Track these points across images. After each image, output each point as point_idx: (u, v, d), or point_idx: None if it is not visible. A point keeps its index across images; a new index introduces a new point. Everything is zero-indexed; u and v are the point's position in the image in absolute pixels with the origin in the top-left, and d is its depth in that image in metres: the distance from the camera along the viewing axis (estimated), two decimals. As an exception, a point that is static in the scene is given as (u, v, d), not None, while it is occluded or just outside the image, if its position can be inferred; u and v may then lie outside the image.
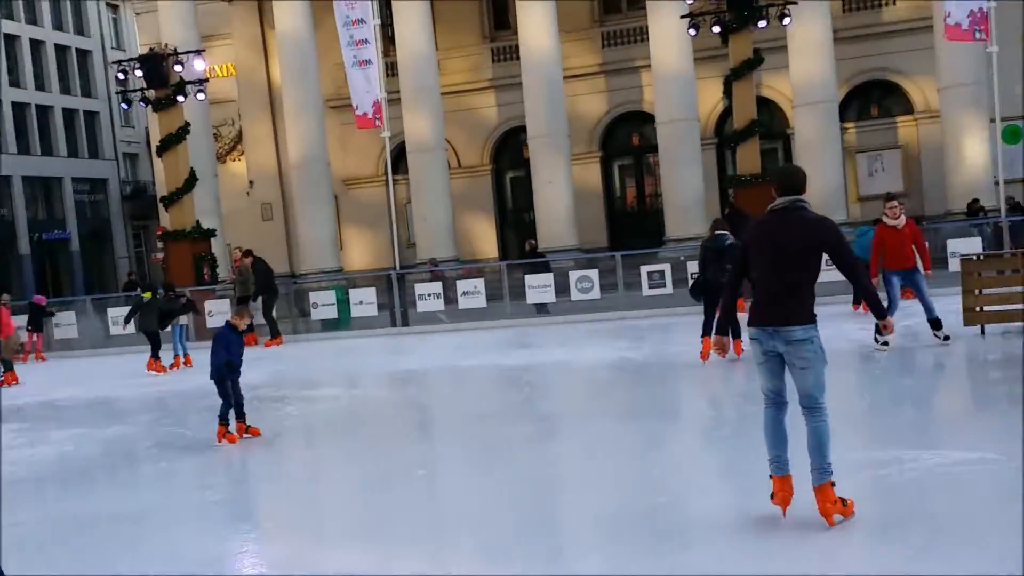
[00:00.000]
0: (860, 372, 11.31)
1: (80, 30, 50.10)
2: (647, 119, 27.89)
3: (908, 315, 14.91)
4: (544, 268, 20.79)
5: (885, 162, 27.89)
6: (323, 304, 21.62)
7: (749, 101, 20.48)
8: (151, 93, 23.28)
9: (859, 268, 5.84)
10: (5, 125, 44.83)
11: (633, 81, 28.90)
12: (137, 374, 16.57)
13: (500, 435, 9.31)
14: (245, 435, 9.72)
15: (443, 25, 29.61)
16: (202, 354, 12.64)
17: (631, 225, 29.40)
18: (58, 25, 48.65)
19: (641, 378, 12.39)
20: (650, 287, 19.56)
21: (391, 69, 27.80)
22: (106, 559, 6.30)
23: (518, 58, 26.35)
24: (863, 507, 5.90)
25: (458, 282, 20.99)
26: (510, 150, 30.73)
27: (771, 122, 26.91)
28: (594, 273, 20.46)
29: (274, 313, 20.15)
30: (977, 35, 18.96)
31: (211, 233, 23.98)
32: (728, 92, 20.84)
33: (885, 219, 11.75)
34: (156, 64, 22.87)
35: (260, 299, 19.94)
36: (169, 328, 17.26)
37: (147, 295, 17.39)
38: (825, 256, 5.61)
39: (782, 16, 20.24)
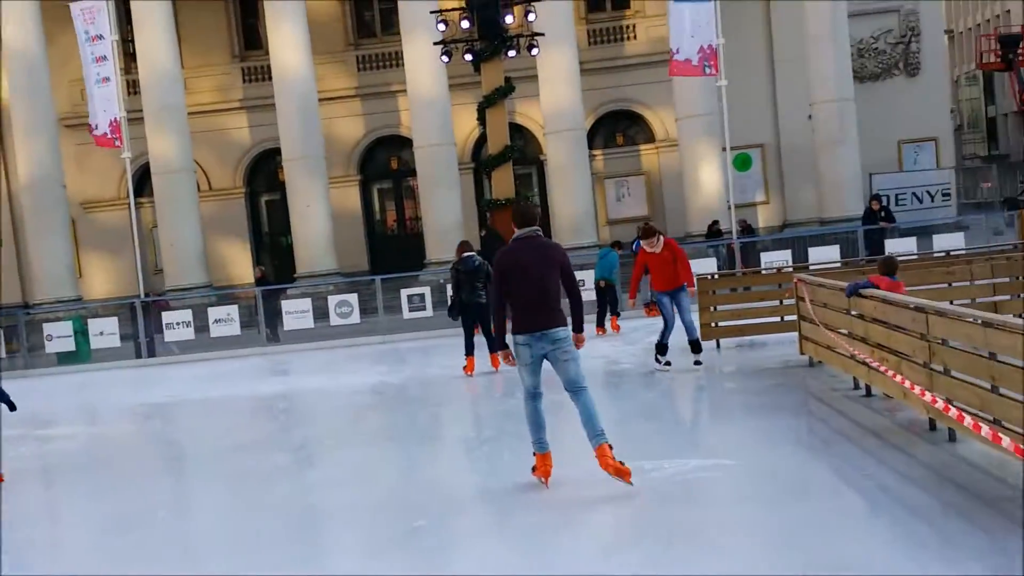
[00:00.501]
0: (607, 387, 11.77)
1: None
2: (405, 143, 27.98)
3: (652, 331, 15.73)
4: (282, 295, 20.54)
5: (631, 187, 29.41)
6: (59, 336, 20.11)
7: (502, 127, 20.97)
8: None
9: (576, 283, 7.13)
10: None
11: (390, 105, 28.93)
12: None
13: (253, 467, 8.94)
14: None
15: (189, 42, 28.47)
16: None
17: (392, 248, 29.34)
18: None
19: (401, 401, 12.32)
20: (411, 310, 19.58)
21: (134, 87, 26.38)
22: None
23: (270, 78, 25.73)
24: (607, 516, 6.11)
25: (210, 309, 20.11)
26: (265, 172, 29.91)
27: (525, 148, 27.72)
28: (354, 297, 20.22)
29: None
30: (707, 70, 20.35)
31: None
32: (482, 119, 21.25)
33: (644, 246, 11.88)
34: None
35: None
36: None
37: None
38: None
39: (531, 47, 20.90)
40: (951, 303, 8.29)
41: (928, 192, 27.30)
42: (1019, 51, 40.25)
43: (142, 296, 20.41)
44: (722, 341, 13.27)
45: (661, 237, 11.86)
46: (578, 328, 7.18)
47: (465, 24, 19.95)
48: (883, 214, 21.31)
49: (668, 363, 11.67)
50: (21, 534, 7.44)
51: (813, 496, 6.40)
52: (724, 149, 21.45)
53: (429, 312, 19.47)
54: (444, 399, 12.41)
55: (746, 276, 15.71)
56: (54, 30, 25.32)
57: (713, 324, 13.04)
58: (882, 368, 7.88)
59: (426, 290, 19.92)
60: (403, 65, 25.29)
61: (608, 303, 16.98)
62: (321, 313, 20.00)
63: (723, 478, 6.97)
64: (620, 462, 6.65)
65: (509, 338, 7.05)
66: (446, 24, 20.22)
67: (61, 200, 25.30)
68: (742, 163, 28.10)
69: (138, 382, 16.86)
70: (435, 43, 20.89)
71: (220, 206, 29.14)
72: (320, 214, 24.89)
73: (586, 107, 25.92)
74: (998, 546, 5.10)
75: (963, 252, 15.22)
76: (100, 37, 21.06)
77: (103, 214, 29.32)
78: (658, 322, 14.09)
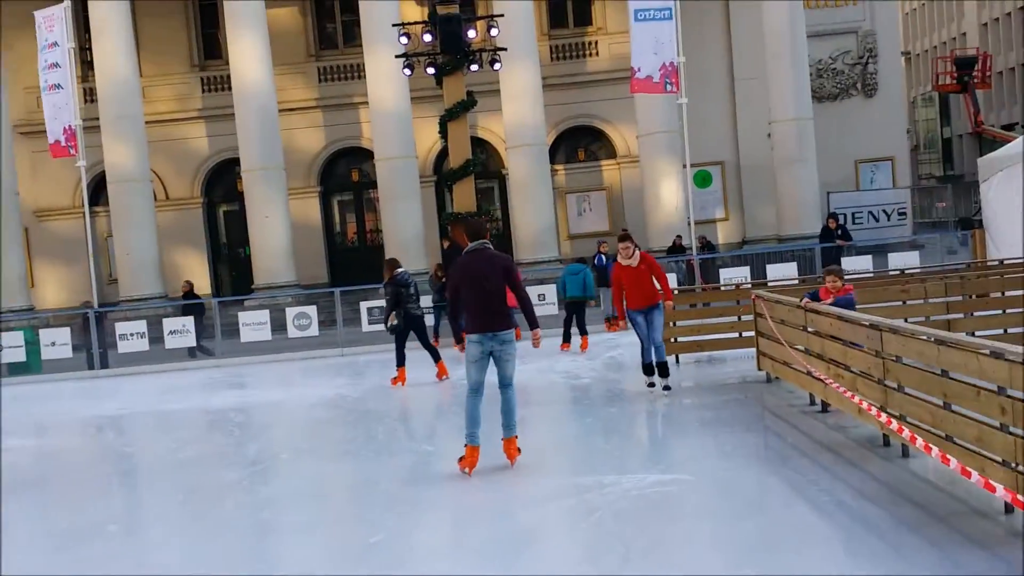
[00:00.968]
0: (566, 403, 11.76)
1: None
2: (366, 155, 27.88)
3: (613, 347, 15.76)
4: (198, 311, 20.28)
5: (592, 202, 29.52)
6: (9, 346, 19.70)
7: (464, 141, 20.95)
8: None
9: (523, 290, 8.15)
10: None
11: (351, 117, 28.83)
12: None
13: (206, 481, 8.80)
14: None
15: (148, 51, 28.19)
16: None
17: (352, 261, 29.17)
18: None
19: (359, 414, 12.20)
20: (370, 323, 19.43)
21: (90, 95, 26.04)
22: None
23: (230, 88, 25.52)
24: (565, 532, 6.06)
25: (164, 320, 19.83)
26: (223, 183, 29.63)
27: (486, 162, 27.72)
28: (312, 309, 20.04)
29: None
30: (668, 87, 20.51)
31: None
32: (444, 132, 21.22)
33: (620, 259, 11.04)
34: None
35: None
36: None
37: None
38: None
39: (493, 61, 20.93)
40: (905, 321, 8.39)
41: (884, 211, 27.69)
42: (974, 73, 41.00)
43: (95, 306, 20.09)
44: (681, 356, 13.32)
45: (637, 249, 11.11)
46: (533, 324, 8.12)
47: (428, 38, 19.94)
48: (840, 232, 21.57)
49: (652, 384, 11.11)
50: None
51: (769, 510, 6.43)
52: (685, 166, 21.62)
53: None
54: (403, 412, 12.33)
55: (705, 292, 15.80)
56: (9, 36, 24.96)
57: (672, 339, 13.07)
58: (836, 386, 7.94)
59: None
60: (364, 77, 25.22)
61: (577, 321, 16.38)
62: (279, 325, 19.80)
63: (681, 493, 6.97)
64: (519, 450, 8.03)
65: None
66: (408, 37, 20.19)
67: (14, 208, 24.91)
68: (702, 180, 28.34)
69: (90, 394, 16.55)
70: (397, 56, 20.85)
71: (177, 216, 28.83)
72: (279, 225, 24.69)
73: (548, 122, 26.00)
74: (949, 560, 5.14)
75: (918, 271, 15.42)
76: (55, 44, 20.81)
77: (57, 223, 28.88)
78: (618, 336, 14.10)
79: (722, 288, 15.87)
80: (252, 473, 9.25)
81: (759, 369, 11.19)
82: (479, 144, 26.60)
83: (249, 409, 13.75)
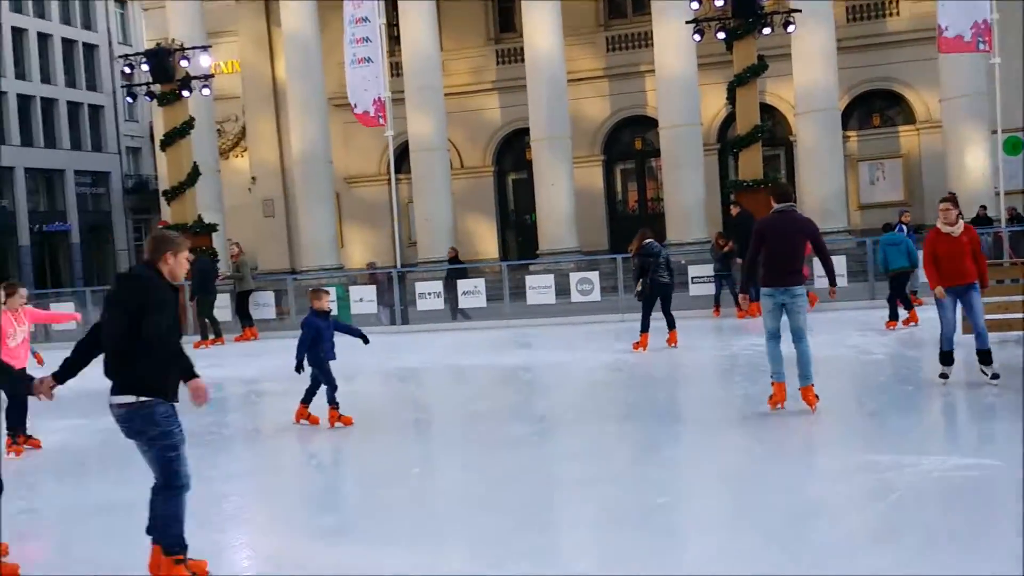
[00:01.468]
0: (860, 379, 11.35)
1: (88, 24, 50.17)
2: (650, 123, 27.93)
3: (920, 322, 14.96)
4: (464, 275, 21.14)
5: (887, 171, 27.93)
6: (322, 301, 21.62)
7: (753, 107, 20.50)
8: (156, 88, 23.32)
9: (827, 250, 9.00)
10: (9, 117, 44.87)
11: (637, 85, 28.94)
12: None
13: (497, 434, 9.34)
14: (337, 423, 9.83)
15: (448, 26, 29.67)
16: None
17: (632, 229, 29.26)
18: (66, 19, 48.70)
19: (640, 380, 12.41)
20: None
21: (396, 69, 27.82)
22: (100, 548, 6.32)
23: (522, 60, 26.39)
24: (861, 510, 5.92)
25: (458, 282, 21.01)
26: (513, 152, 30.76)
27: (773, 128, 26.94)
28: (595, 275, 20.50)
29: (214, 313, 20.27)
30: (981, 46, 19.00)
31: (212, 228, 24.00)
32: (732, 98, 20.85)
33: (939, 224, 9.57)
34: (162, 59, 22.91)
35: (196, 300, 20.24)
36: None
37: None
38: None
39: (786, 23, 20.28)
40: None
41: None
42: None
43: (398, 266, 21.61)
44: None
45: (961, 217, 9.65)
46: (832, 282, 9.08)
47: (719, 2, 19.65)
48: None
49: (945, 376, 9.88)
50: (279, 480, 8.17)
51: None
52: (994, 131, 19.96)
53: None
54: (684, 379, 12.40)
55: (1014, 267, 14.60)
56: (327, 16, 27.12)
57: (976, 318, 12.18)
58: None
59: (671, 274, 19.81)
60: (652, 45, 25.23)
61: (900, 294, 14.97)
62: (562, 289, 20.40)
63: (987, 478, 6.60)
64: (817, 396, 8.72)
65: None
66: (700, 2, 19.98)
67: (328, 175, 27.16)
68: (1013, 147, 26.00)
69: (391, 347, 17.88)
70: (687, 21, 20.70)
71: (470, 183, 30.28)
72: (564, 193, 25.34)
73: (841, 86, 24.84)
74: None
75: None
76: (364, 20, 22.28)
77: (364, 189, 31.21)
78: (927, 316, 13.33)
79: (1035, 264, 14.58)
80: (540, 429, 9.69)
81: (1078, 353, 10.25)
82: (766, 110, 25.87)
83: (535, 368, 14.35)
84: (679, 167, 24.71)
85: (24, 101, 45.72)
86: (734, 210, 19.56)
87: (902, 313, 15.13)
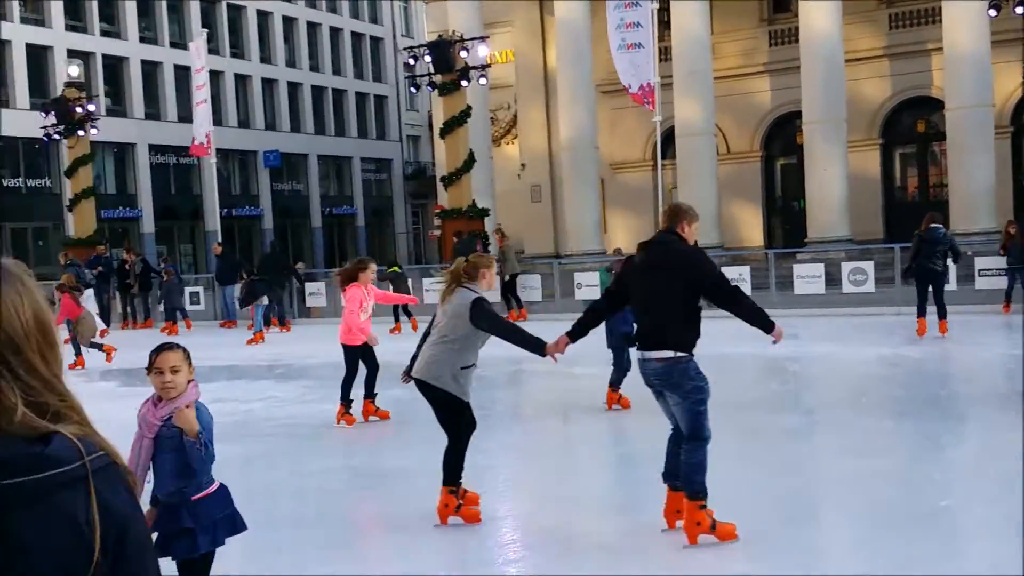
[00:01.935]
0: None
1: (374, 18, 53.62)
2: (934, 105, 26.26)
3: None
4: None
5: None
6: (587, 285, 22.09)
7: (1056, 86, 18.85)
8: (437, 78, 24.61)
9: None
10: (305, 107, 48.88)
11: (921, 65, 27.26)
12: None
13: (767, 425, 9.26)
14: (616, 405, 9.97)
15: (720, 9, 29.22)
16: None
17: (911, 216, 27.70)
18: (355, 14, 52.28)
19: (917, 376, 11.83)
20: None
21: (664, 53, 27.78)
22: (379, 506, 6.92)
23: (796, 41, 25.58)
24: None
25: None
26: (782, 136, 29.90)
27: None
28: (869, 265, 19.62)
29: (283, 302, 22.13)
30: None
31: (485, 212, 25.09)
32: (1031, 76, 19.29)
33: None
34: (443, 50, 24.14)
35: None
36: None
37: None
38: None
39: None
40: None
41: None
42: None
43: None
44: None
45: None
46: None
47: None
48: None
49: None
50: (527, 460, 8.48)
51: None
52: None
53: (952, 285, 18.16)
54: (967, 377, 11.70)
55: None
56: (598, 5, 27.48)
57: None
58: None
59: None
60: (939, 21, 23.69)
61: None
62: (832, 279, 19.69)
63: None
64: None
65: None
66: (996, -25, 18.56)
67: (594, 161, 27.60)
68: None
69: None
70: (981, -4, 19.28)
71: (735, 169, 29.76)
72: (837, 178, 24.39)
73: None
74: None
75: None
76: (635, 4, 22.31)
77: (628, 174, 31.45)
78: None
79: None
80: (809, 422, 9.51)
81: None
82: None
83: (803, 359, 14.00)
84: (966, 151, 23.10)
85: (317, 92, 49.57)
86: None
87: None
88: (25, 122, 33.26)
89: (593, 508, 6.73)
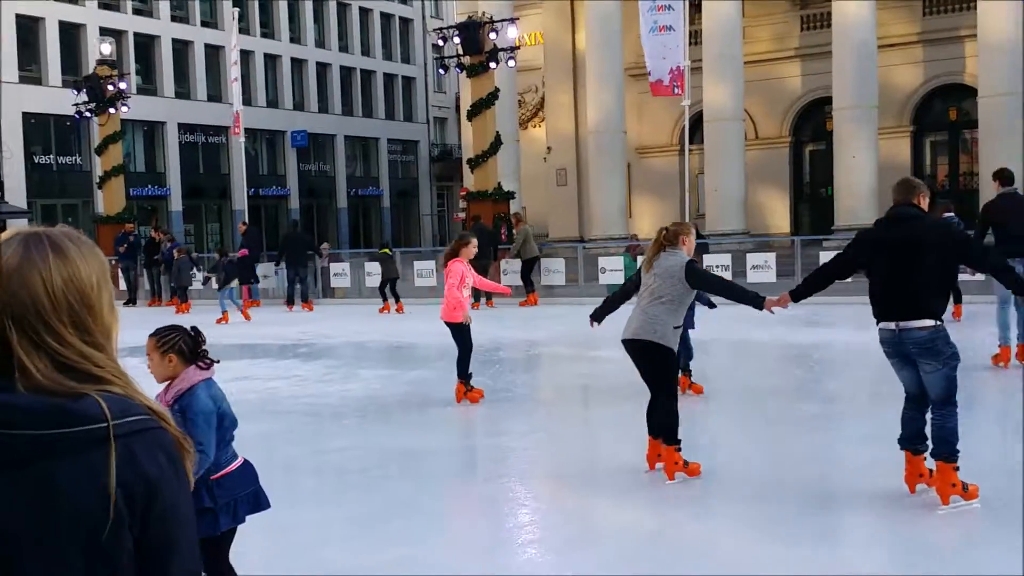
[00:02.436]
0: None
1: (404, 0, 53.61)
2: (967, 92, 25.97)
3: None
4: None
5: None
6: (611, 269, 22.06)
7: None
8: (466, 60, 24.58)
9: None
10: (333, 88, 48.97)
11: (954, 51, 26.95)
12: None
13: (786, 412, 9.25)
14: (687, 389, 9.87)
15: (752, -8, 29.03)
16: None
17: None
18: (385, -6, 52.34)
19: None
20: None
21: (695, 37, 27.59)
22: (399, 486, 6.99)
23: (828, 26, 25.35)
24: None
25: (748, 255, 20.70)
26: (812, 122, 29.68)
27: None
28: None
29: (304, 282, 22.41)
30: None
31: (511, 195, 25.08)
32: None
33: None
34: (473, 32, 24.08)
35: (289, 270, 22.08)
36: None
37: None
38: None
39: None
40: None
41: None
42: None
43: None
44: None
45: None
46: None
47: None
48: None
49: None
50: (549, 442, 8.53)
51: None
52: None
53: (977, 275, 17.99)
54: (988, 364, 11.60)
55: None
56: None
57: None
58: None
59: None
60: (974, 8, 23.40)
61: None
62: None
63: None
64: None
65: None
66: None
67: (620, 145, 27.52)
68: None
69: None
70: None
71: (764, 155, 29.58)
72: (866, 165, 24.19)
73: None
74: None
75: None
76: (667, -13, 22.15)
77: (654, 159, 31.34)
78: None
79: None
80: (830, 411, 9.49)
81: None
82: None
83: (826, 347, 13.95)
84: (998, 139, 22.84)
85: (346, 73, 49.66)
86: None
87: None
88: (57, 99, 33.59)
89: (614, 490, 6.76)
